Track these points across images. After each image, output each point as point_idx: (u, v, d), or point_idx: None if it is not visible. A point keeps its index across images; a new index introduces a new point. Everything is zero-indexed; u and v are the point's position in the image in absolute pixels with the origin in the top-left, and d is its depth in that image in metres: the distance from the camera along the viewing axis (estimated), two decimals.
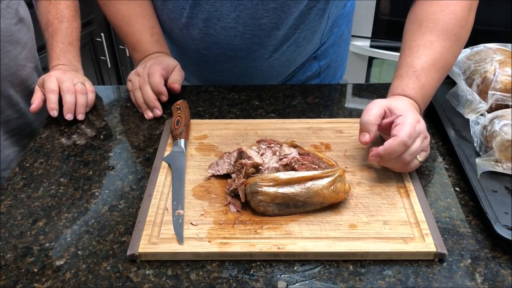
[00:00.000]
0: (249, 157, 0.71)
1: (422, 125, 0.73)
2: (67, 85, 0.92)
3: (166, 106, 0.94)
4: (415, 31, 0.81)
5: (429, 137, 0.75)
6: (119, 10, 1.01)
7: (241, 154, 0.73)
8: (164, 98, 0.93)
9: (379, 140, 0.81)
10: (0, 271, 0.63)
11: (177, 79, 0.97)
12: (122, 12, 1.01)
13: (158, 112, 0.92)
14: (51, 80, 0.93)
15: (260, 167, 0.71)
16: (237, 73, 1.06)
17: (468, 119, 0.86)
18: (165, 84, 0.95)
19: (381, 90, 0.99)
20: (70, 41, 1.02)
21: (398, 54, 0.84)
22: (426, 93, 0.78)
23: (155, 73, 0.92)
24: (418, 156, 0.73)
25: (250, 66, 1.04)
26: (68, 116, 0.91)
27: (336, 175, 0.68)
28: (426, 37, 0.79)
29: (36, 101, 0.92)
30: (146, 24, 1.01)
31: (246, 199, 0.69)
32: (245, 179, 0.69)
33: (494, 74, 0.88)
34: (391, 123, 0.73)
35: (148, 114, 0.93)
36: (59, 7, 1.03)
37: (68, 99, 0.91)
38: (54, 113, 0.91)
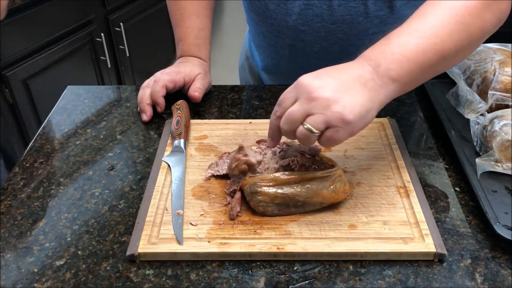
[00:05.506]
0: (246, 154, 0.71)
1: (302, 86, 0.62)
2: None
3: (166, 106, 0.94)
4: (420, 8, 0.72)
5: (320, 98, 0.60)
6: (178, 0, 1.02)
7: (240, 149, 0.73)
8: (158, 109, 0.93)
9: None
10: (0, 271, 0.63)
11: (198, 87, 0.96)
12: (179, 3, 1.01)
13: (145, 117, 0.92)
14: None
15: (257, 169, 0.71)
16: (335, 53, 0.99)
17: (468, 119, 0.86)
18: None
19: None
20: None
21: None
22: (390, 49, 0.66)
23: (158, 82, 0.93)
24: (305, 124, 0.61)
25: (351, 44, 0.96)
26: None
27: (336, 175, 0.68)
28: (424, 9, 0.70)
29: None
30: (196, 24, 1.01)
31: (245, 199, 0.69)
32: (241, 182, 0.69)
33: (494, 74, 0.88)
34: None
35: (143, 116, 0.93)
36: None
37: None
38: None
